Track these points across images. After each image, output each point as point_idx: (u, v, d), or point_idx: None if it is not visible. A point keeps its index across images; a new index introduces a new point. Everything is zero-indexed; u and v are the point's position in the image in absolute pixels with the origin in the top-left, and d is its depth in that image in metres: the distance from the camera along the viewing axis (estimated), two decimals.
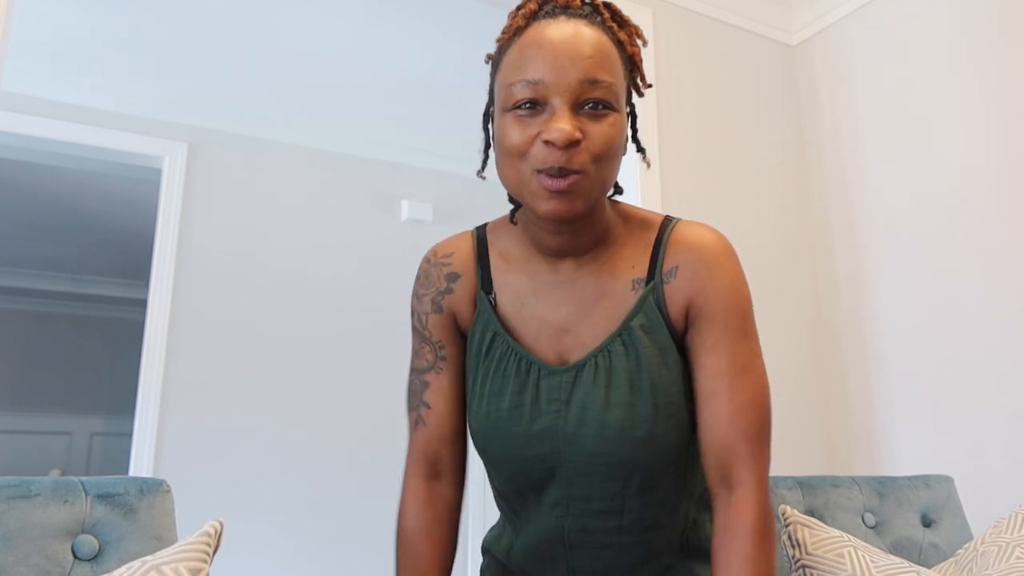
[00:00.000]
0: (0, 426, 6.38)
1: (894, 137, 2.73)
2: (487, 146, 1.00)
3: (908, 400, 2.58)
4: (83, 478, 1.29)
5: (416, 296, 1.04)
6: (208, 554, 1.18)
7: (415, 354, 1.02)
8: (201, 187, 3.88)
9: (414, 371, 1.02)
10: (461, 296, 1.00)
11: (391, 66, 3.53)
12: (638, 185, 2.62)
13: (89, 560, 1.23)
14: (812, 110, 3.06)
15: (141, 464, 3.49)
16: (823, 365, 2.87)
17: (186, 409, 3.63)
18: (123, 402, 6.87)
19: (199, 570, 1.14)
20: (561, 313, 0.95)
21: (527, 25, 0.91)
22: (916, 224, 2.62)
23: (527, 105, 0.87)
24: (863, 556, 1.44)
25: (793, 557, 1.49)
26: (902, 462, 2.57)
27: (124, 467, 6.75)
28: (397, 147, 4.39)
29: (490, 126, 0.99)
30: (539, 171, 0.86)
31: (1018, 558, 1.49)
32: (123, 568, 1.12)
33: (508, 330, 0.96)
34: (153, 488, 1.34)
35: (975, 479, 2.36)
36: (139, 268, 6.49)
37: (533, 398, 0.93)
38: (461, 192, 4.59)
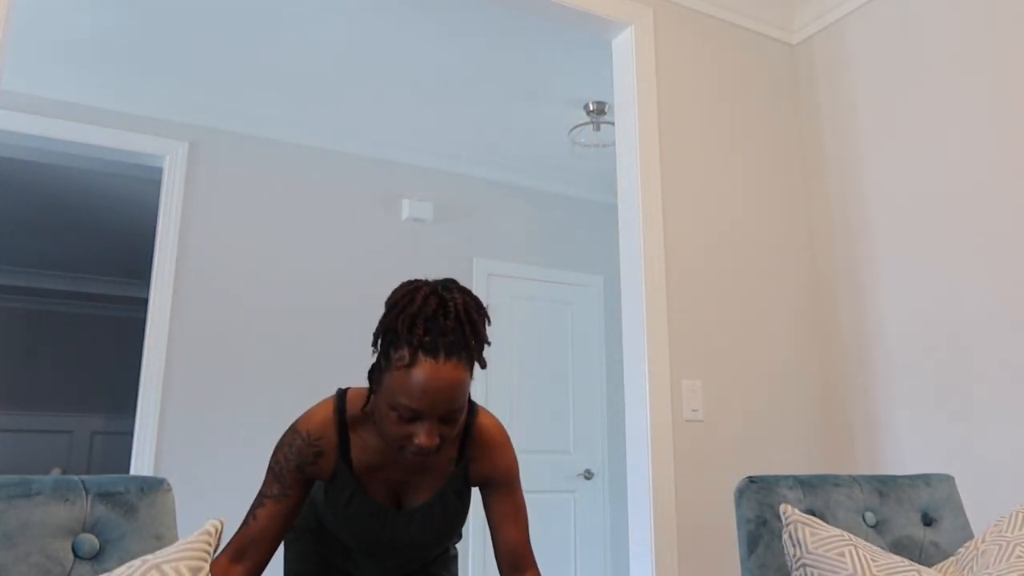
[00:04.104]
0: (1, 425, 6.38)
1: (894, 136, 2.73)
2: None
3: (909, 399, 2.57)
4: (84, 477, 1.29)
5: (284, 456, 1.40)
6: (208, 553, 1.18)
7: (265, 483, 1.41)
8: (202, 186, 3.88)
9: (260, 493, 1.40)
10: (322, 468, 1.42)
11: (392, 65, 3.53)
12: (638, 184, 2.62)
13: (90, 559, 1.23)
14: (812, 109, 3.05)
15: (142, 463, 3.49)
16: (824, 364, 2.87)
17: (187, 408, 3.63)
18: (124, 401, 6.88)
19: (199, 569, 1.14)
20: (401, 476, 1.45)
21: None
22: (916, 223, 2.62)
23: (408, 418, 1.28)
24: (864, 555, 1.44)
25: (794, 556, 1.49)
26: (903, 461, 2.57)
27: (125, 466, 6.76)
28: (398, 146, 4.39)
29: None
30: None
31: (1019, 556, 1.49)
32: (123, 567, 1.12)
33: (363, 487, 1.44)
34: (154, 487, 1.34)
35: (976, 478, 2.36)
36: (140, 267, 6.50)
37: (382, 524, 1.47)
38: (461, 191, 4.59)
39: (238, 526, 1.45)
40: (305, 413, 1.42)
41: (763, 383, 2.71)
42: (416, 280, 1.32)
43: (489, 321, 1.33)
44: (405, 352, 1.22)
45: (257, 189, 4.01)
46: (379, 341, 1.29)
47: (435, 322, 1.23)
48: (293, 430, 1.40)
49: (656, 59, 2.78)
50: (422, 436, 1.25)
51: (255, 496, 1.42)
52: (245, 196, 3.97)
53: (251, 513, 1.37)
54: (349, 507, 1.43)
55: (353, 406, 1.42)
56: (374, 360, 1.34)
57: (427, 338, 1.22)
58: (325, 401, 1.43)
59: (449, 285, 1.30)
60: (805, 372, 2.82)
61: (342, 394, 1.43)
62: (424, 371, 1.22)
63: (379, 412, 1.29)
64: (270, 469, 1.40)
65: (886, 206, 2.72)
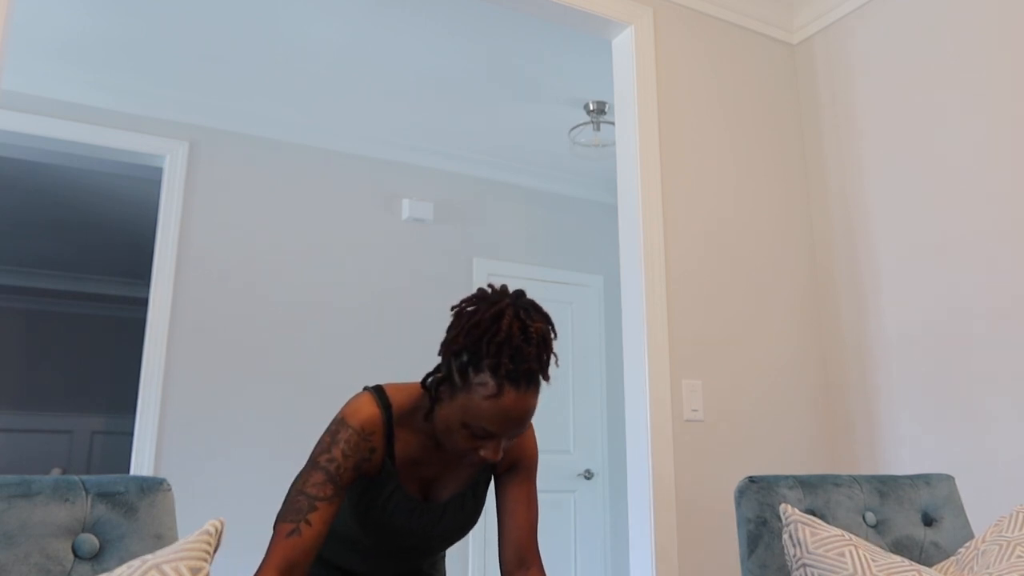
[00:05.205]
0: (1, 425, 6.38)
1: (894, 136, 2.73)
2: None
3: (909, 399, 2.57)
4: (84, 477, 1.29)
5: (342, 453, 1.34)
6: (208, 553, 1.18)
7: (313, 483, 1.32)
8: (202, 186, 3.88)
9: (305, 495, 1.31)
10: (374, 464, 1.39)
11: (392, 65, 3.53)
12: (638, 184, 2.62)
13: (90, 559, 1.23)
14: (812, 109, 3.05)
15: (142, 462, 3.49)
16: (824, 364, 2.87)
17: (187, 407, 3.63)
18: (124, 401, 6.88)
19: (199, 569, 1.14)
20: (437, 471, 1.47)
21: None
22: (916, 223, 2.62)
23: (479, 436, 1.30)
24: (864, 555, 1.44)
25: (794, 556, 1.49)
26: (903, 461, 2.57)
27: (125, 466, 6.76)
28: (398, 146, 4.39)
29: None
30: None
31: (1019, 556, 1.49)
32: (123, 567, 1.12)
33: (401, 482, 1.43)
34: (153, 487, 1.34)
35: (976, 478, 2.36)
36: (140, 267, 6.50)
37: (418, 519, 1.46)
38: (461, 191, 4.59)
39: (273, 536, 1.28)
40: (348, 408, 1.37)
41: (763, 383, 2.71)
42: (496, 297, 1.31)
43: (556, 335, 1.35)
44: (489, 379, 1.24)
45: (257, 189, 4.01)
46: (454, 356, 1.28)
47: (520, 351, 1.25)
48: (343, 425, 1.35)
49: (656, 59, 2.78)
50: (490, 451, 1.30)
51: (296, 499, 1.30)
52: (245, 196, 3.97)
53: (302, 520, 1.28)
54: (388, 504, 1.41)
55: (397, 404, 1.40)
56: (442, 371, 1.33)
57: (512, 366, 1.24)
58: (363, 397, 1.39)
59: (526, 305, 1.30)
60: (805, 372, 2.82)
61: (380, 390, 1.41)
62: (508, 401, 1.25)
63: (446, 423, 1.31)
64: (322, 469, 1.32)
65: (886, 205, 2.72)
